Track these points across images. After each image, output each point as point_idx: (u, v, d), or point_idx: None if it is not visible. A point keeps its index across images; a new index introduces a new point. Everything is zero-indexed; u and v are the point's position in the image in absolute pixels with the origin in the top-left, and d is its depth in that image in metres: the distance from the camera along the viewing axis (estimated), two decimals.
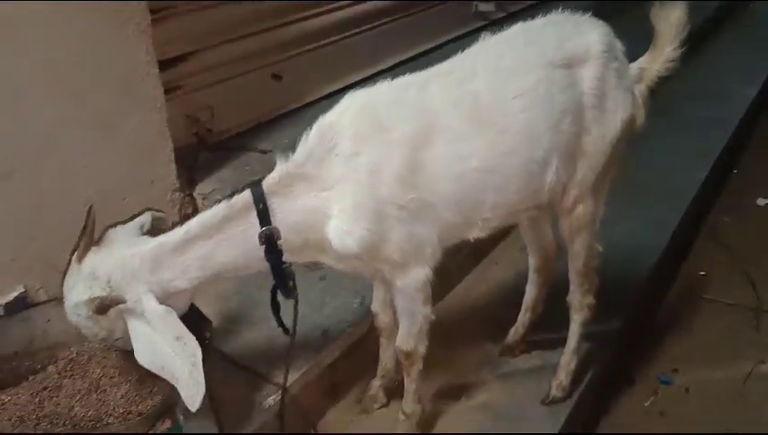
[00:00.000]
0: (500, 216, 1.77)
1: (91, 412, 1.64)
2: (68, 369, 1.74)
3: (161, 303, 1.52)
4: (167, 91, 2.29)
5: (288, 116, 3.02)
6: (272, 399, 1.87)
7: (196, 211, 2.44)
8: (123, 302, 1.50)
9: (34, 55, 1.84)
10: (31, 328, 1.77)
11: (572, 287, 2.06)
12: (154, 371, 1.49)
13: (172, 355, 1.47)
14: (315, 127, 1.63)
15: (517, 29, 1.81)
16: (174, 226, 1.62)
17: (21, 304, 1.93)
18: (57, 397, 1.67)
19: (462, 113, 1.65)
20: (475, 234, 1.76)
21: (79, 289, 1.53)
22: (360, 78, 3.36)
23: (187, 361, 1.46)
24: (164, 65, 2.29)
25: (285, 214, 1.57)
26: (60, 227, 2.01)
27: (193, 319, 1.67)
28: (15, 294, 1.93)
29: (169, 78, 2.38)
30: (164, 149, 2.28)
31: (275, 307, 1.77)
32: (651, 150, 3.53)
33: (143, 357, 1.50)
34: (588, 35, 1.81)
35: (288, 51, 3.10)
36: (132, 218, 1.71)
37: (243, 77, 2.88)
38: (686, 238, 3.35)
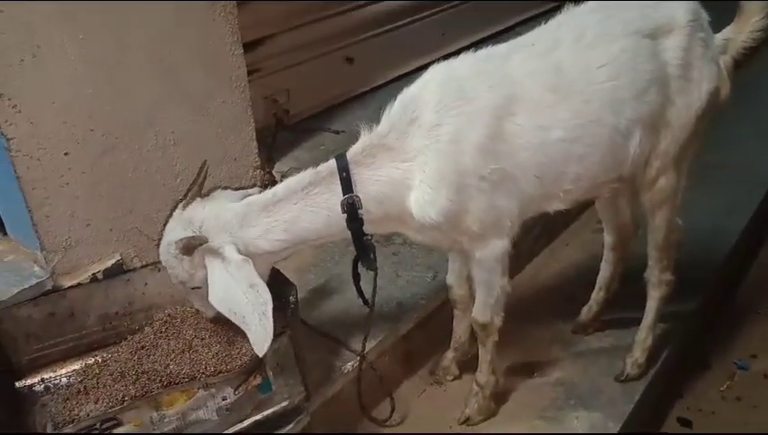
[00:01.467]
0: (582, 188, 1.78)
1: (185, 370, 1.73)
2: (163, 330, 1.84)
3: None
4: (247, 73, 2.39)
5: (359, 98, 3.09)
6: (350, 364, 1.94)
7: None
8: (205, 241, 1.57)
9: (134, 38, 1.95)
10: (131, 290, 1.88)
11: (651, 263, 2.05)
12: (224, 313, 1.56)
13: (244, 301, 1.52)
14: (398, 99, 1.68)
15: (597, 4, 1.80)
16: None
17: (118, 271, 2.06)
18: (154, 355, 1.78)
19: (545, 83, 1.67)
20: (555, 206, 1.78)
21: (175, 229, 1.63)
22: (429, 61, 3.39)
23: (257, 308, 1.52)
24: (244, 48, 2.38)
25: (367, 184, 1.62)
26: (153, 200, 2.14)
27: (278, 281, 1.76)
28: (113, 261, 2.06)
29: (249, 61, 2.47)
30: (247, 128, 2.37)
31: (356, 278, 1.84)
32: (734, 130, 3.44)
33: (217, 299, 1.56)
34: (673, 5, 1.80)
35: (360, 34, 3.16)
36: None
37: (317, 60, 2.96)
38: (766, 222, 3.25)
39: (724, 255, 2.74)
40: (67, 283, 1.96)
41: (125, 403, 1.60)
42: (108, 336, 1.87)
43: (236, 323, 1.55)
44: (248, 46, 2.54)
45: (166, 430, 1.55)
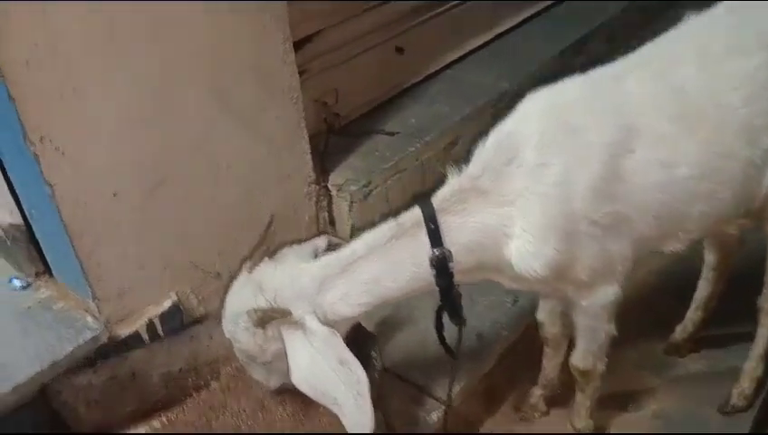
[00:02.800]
0: (705, 227, 1.57)
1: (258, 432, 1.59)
2: (231, 385, 1.69)
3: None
4: None
5: (411, 92, 2.83)
6: (435, 414, 1.77)
7: (330, 204, 2.34)
8: (289, 314, 1.40)
9: (178, 56, 1.73)
10: (196, 344, 1.73)
11: (766, 290, 1.83)
12: (312, 395, 1.40)
13: (335, 380, 1.36)
14: (492, 136, 1.47)
15: (728, 6, 1.55)
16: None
17: (175, 313, 1.90)
18: (223, 416, 1.63)
19: (667, 111, 1.45)
20: (672, 247, 1.57)
21: (244, 297, 1.46)
22: (479, 44, 3.14)
23: (351, 387, 1.35)
24: None
25: (458, 233, 1.42)
26: (206, 231, 1.96)
27: (357, 336, 1.58)
28: (169, 302, 1.89)
29: (297, 62, 2.24)
30: (300, 142, 2.16)
31: (440, 329, 1.64)
32: None
33: (301, 380, 1.41)
34: None
35: (409, 21, 2.89)
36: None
37: (366, 54, 2.71)
38: None
39: None
40: (123, 331, 1.80)
41: None
42: (173, 395, 1.71)
43: (326, 405, 1.38)
44: (295, 46, 2.31)
45: None
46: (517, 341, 2.03)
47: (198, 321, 1.97)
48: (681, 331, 2.14)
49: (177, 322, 1.91)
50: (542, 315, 1.83)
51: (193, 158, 1.85)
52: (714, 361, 2.12)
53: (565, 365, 1.92)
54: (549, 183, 1.40)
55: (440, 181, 1.50)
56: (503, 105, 2.84)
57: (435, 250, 1.40)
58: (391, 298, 1.48)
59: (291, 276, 1.45)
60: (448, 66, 3.01)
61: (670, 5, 3.74)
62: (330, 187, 2.32)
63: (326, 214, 2.35)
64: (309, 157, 2.22)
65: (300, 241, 1.65)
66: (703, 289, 2.07)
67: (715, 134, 1.45)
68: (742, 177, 1.50)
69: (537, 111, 1.46)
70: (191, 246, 1.93)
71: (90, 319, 1.77)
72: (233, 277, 1.55)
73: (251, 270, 1.49)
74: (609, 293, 1.53)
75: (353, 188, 2.30)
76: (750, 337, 1.94)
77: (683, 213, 1.50)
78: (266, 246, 1.53)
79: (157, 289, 1.87)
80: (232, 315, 1.48)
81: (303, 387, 1.41)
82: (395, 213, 2.36)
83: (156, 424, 1.66)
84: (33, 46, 1.42)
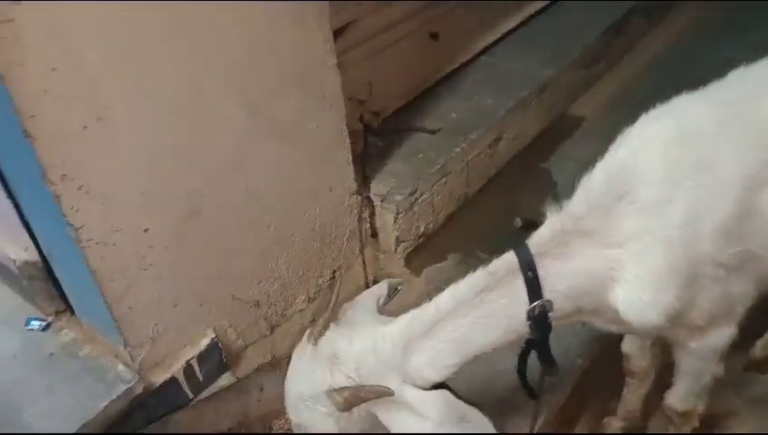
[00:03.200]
0: None
1: None
2: None
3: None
4: None
5: (447, 82, 2.60)
6: None
7: (373, 215, 2.13)
8: (390, 395, 1.20)
9: (210, 68, 1.50)
10: (245, 399, 1.53)
11: None
12: None
13: None
14: (600, 167, 1.26)
15: None
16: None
17: (214, 350, 1.70)
18: None
19: None
20: None
21: (316, 376, 1.25)
22: (518, 23, 2.89)
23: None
24: None
25: (558, 280, 1.23)
26: (243, 258, 1.76)
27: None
28: (207, 340, 1.69)
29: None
30: (342, 151, 1.94)
31: (523, 372, 1.45)
32: None
33: None
34: None
35: (441, 5, 2.65)
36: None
37: (399, 43, 2.47)
38: None
39: None
40: (158, 378, 1.61)
41: None
42: None
43: None
44: None
45: None
46: (590, 367, 1.85)
47: (238, 356, 1.78)
48: (762, 346, 1.96)
49: (216, 360, 1.72)
50: (628, 348, 1.64)
51: (229, 182, 1.63)
52: None
53: (647, 396, 1.75)
54: (672, 224, 1.19)
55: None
56: (546, 92, 2.62)
57: (535, 303, 1.21)
58: (479, 354, 1.27)
59: (372, 344, 1.24)
60: (483, 52, 2.77)
61: None
62: (372, 196, 2.11)
63: (368, 226, 2.14)
64: (351, 168, 2.00)
65: (355, 292, 1.45)
66: None
67: None
68: None
69: (659, 139, 1.24)
70: (228, 276, 1.73)
71: (121, 367, 1.58)
72: (293, 350, 1.35)
73: (317, 340, 1.27)
74: (724, 335, 1.34)
75: (398, 197, 2.09)
76: None
77: None
78: (332, 309, 1.31)
79: (193, 328, 1.67)
80: (302, 399, 1.27)
81: None
82: (440, 222, 2.15)
83: None
84: (52, 72, 1.18)
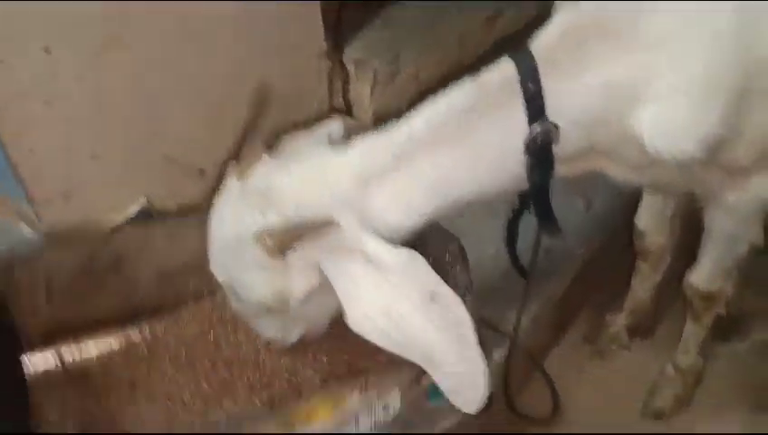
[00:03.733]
0: None
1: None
2: None
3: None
4: None
5: None
6: (499, 353, 1.34)
7: (347, 85, 1.83)
8: (330, 226, 0.94)
9: None
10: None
11: None
12: (386, 346, 0.95)
13: (424, 325, 0.92)
14: None
15: None
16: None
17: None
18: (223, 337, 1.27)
19: None
20: None
21: (243, 217, 1.00)
22: None
23: (449, 332, 0.92)
24: None
25: (567, 97, 0.94)
26: (185, 114, 1.48)
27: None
28: (137, 209, 1.43)
29: None
30: (311, 7, 1.63)
31: (512, 241, 1.30)
32: None
33: (368, 325, 0.95)
34: None
35: None
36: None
37: None
38: None
39: None
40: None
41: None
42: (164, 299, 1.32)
43: (411, 359, 0.95)
44: None
45: None
46: (592, 258, 1.59)
47: None
48: None
49: None
50: (644, 221, 1.39)
51: (161, 12, 1.31)
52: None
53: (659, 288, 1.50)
54: (711, 22, 0.92)
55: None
56: None
57: (535, 125, 0.93)
58: (461, 201, 1.01)
59: (320, 175, 0.99)
60: None
61: None
62: (346, 62, 1.80)
63: (340, 98, 1.84)
64: (320, 20, 1.69)
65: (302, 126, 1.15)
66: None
67: None
68: None
69: None
70: (164, 134, 1.44)
71: (25, 228, 1.29)
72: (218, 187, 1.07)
73: (243, 174, 1.01)
74: None
75: (377, 63, 1.79)
76: None
77: None
78: (257, 137, 1.05)
79: (118, 191, 1.39)
80: (227, 247, 1.03)
81: (372, 335, 0.96)
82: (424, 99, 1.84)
83: (134, 335, 1.28)
84: None
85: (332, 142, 1.09)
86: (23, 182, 1.24)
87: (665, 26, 0.93)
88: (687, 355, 1.43)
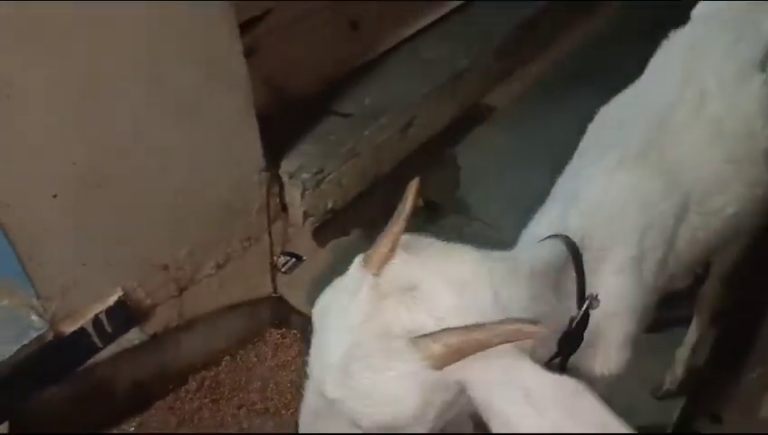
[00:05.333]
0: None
1: None
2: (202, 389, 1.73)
3: None
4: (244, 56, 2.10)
5: (365, 70, 2.79)
6: None
7: (282, 191, 2.33)
8: (540, 332, 0.81)
9: (111, 49, 1.67)
10: (160, 355, 1.76)
11: (709, 289, 1.92)
12: None
13: None
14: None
15: (716, 25, 1.53)
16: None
17: (122, 308, 1.89)
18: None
19: (717, 154, 1.36)
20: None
21: (387, 317, 0.84)
22: (435, 18, 3.09)
23: None
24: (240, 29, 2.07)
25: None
26: (151, 223, 1.95)
27: None
28: (115, 298, 1.88)
29: (245, 42, 2.17)
30: (250, 128, 2.13)
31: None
32: None
33: None
34: None
35: None
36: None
37: (318, 30, 2.65)
38: None
39: None
40: (68, 328, 1.80)
41: None
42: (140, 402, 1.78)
43: None
44: (243, 26, 2.24)
45: None
46: None
47: (148, 313, 1.98)
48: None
49: (124, 315, 1.91)
50: None
51: (133, 153, 1.81)
52: (651, 345, 2.20)
53: None
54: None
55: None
56: (459, 82, 2.83)
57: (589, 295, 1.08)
58: None
59: (488, 272, 0.89)
60: (404, 42, 2.96)
61: None
62: (281, 174, 2.30)
63: (278, 200, 2.34)
64: (259, 144, 2.19)
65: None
66: None
67: (750, 167, 1.38)
68: (762, 201, 1.46)
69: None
70: (135, 240, 1.91)
71: (34, 317, 1.76)
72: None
73: (377, 268, 0.87)
74: None
75: (305, 175, 2.29)
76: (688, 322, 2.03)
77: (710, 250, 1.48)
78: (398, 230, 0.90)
79: (101, 285, 1.86)
80: (359, 355, 0.83)
81: None
82: (349, 199, 2.32)
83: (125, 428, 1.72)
84: None
85: None
86: (34, 285, 1.70)
87: None
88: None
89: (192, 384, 1.75)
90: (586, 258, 1.11)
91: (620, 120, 1.42)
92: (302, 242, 2.38)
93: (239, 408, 1.66)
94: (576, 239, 1.11)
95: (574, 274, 1.07)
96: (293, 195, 2.31)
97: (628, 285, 1.18)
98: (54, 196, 1.66)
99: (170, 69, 1.83)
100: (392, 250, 0.88)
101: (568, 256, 1.09)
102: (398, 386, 0.81)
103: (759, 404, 2.39)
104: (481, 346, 0.79)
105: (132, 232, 1.89)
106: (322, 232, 2.41)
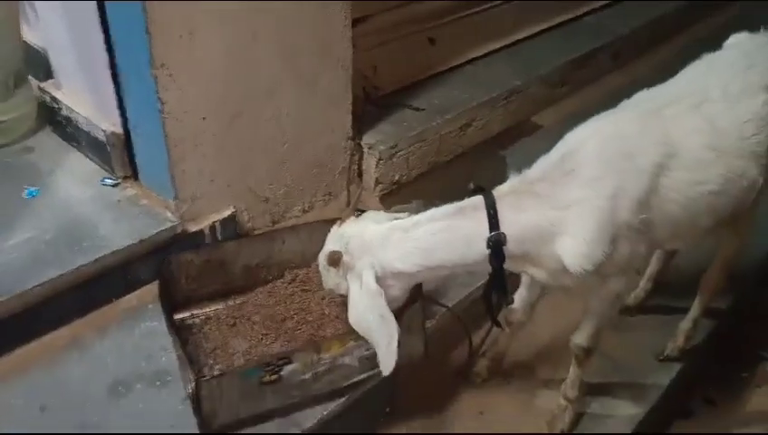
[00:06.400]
0: (707, 231, 1.92)
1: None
2: (293, 285, 2.20)
3: (380, 279, 1.70)
4: None
5: (437, 78, 3.30)
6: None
7: (361, 158, 2.81)
8: (341, 256, 1.73)
9: (262, 24, 2.18)
10: (270, 245, 2.21)
11: (713, 271, 2.29)
12: (359, 331, 1.71)
13: (375, 327, 1.66)
14: (556, 150, 1.75)
15: (737, 53, 1.96)
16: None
17: (231, 222, 2.37)
18: (282, 305, 2.15)
19: (702, 140, 1.76)
20: (674, 245, 2.03)
21: (329, 243, 1.81)
22: (500, 45, 3.61)
23: (385, 338, 1.66)
24: None
25: (511, 225, 1.66)
26: (265, 164, 2.43)
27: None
28: (228, 213, 2.35)
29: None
30: (345, 103, 2.63)
31: (489, 306, 1.89)
32: None
33: (353, 319, 1.71)
34: None
35: (442, 17, 3.37)
36: None
37: (403, 40, 3.18)
38: None
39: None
40: (192, 228, 2.26)
41: (264, 340, 1.93)
42: (249, 283, 2.21)
43: (369, 340, 1.71)
44: None
45: (320, 370, 1.80)
46: None
47: (247, 233, 2.45)
48: (634, 297, 2.62)
49: (231, 230, 2.38)
50: (518, 302, 2.14)
51: (262, 103, 2.31)
52: (658, 322, 2.59)
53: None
54: (603, 195, 1.64)
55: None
56: (513, 98, 3.32)
57: (493, 233, 1.64)
58: (441, 266, 1.72)
59: (363, 232, 1.74)
60: (471, 61, 3.48)
61: (673, 33, 4.23)
62: (363, 144, 2.79)
63: (356, 167, 2.82)
64: (350, 117, 2.69)
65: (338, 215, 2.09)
66: (654, 265, 2.54)
67: (736, 159, 1.78)
68: (745, 192, 1.83)
69: (597, 136, 1.74)
70: (251, 171, 2.40)
71: (169, 214, 2.24)
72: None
73: (340, 225, 1.81)
74: (622, 282, 1.83)
75: (382, 147, 2.77)
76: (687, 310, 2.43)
77: (697, 221, 1.82)
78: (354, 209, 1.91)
79: (220, 201, 2.34)
80: (321, 256, 1.82)
81: (354, 324, 1.71)
82: (412, 176, 2.81)
83: (231, 302, 2.15)
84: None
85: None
86: (175, 187, 2.19)
87: (571, 198, 1.63)
88: (573, 390, 2.07)
89: (287, 277, 2.19)
90: (563, 179, 1.66)
91: (636, 102, 1.89)
92: (372, 204, 2.83)
93: (322, 299, 2.09)
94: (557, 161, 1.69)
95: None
96: (370, 163, 2.79)
97: (593, 201, 1.64)
98: (204, 118, 2.16)
99: (298, 48, 2.34)
100: (348, 216, 1.82)
101: (481, 201, 1.66)
102: (324, 272, 1.86)
103: (749, 398, 2.76)
104: (339, 260, 1.75)
105: (250, 165, 2.38)
106: (388, 198, 2.87)
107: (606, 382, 2.35)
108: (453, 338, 2.37)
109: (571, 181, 1.66)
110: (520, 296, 2.15)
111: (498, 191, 1.71)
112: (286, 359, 1.72)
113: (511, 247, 1.67)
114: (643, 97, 1.92)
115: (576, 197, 1.65)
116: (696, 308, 2.40)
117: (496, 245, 1.65)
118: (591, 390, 2.31)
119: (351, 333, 1.77)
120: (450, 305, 2.29)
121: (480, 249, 1.67)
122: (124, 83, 2.16)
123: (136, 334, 2.04)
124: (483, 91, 3.23)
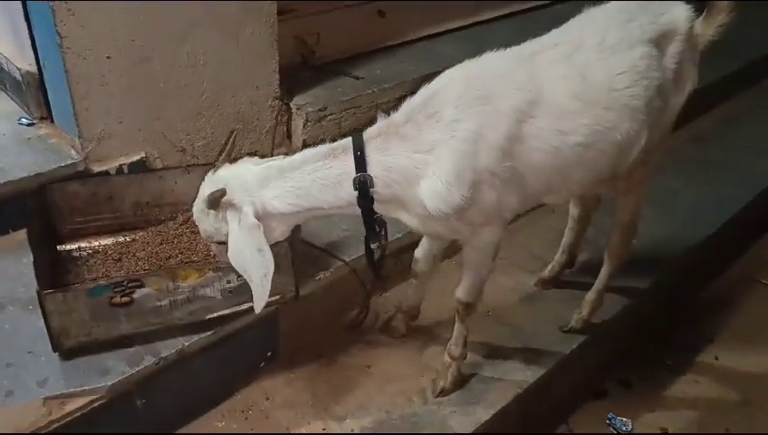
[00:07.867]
0: (583, 186, 1.91)
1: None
2: (183, 226, 2.21)
3: (260, 218, 1.68)
4: (281, 13, 2.64)
5: (385, 50, 3.31)
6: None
7: (290, 120, 2.82)
8: (224, 195, 1.67)
9: None
10: (163, 184, 2.23)
11: (614, 237, 2.26)
12: (237, 270, 1.69)
13: (252, 262, 1.65)
14: (420, 93, 1.74)
15: (618, 5, 1.90)
16: None
17: (141, 166, 2.39)
18: (169, 245, 2.17)
19: (568, 89, 1.72)
20: (553, 200, 1.97)
21: (204, 188, 1.75)
22: (459, 25, 3.60)
23: (261, 271, 1.64)
24: None
25: (378, 167, 1.67)
26: (178, 111, 2.45)
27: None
28: (138, 157, 2.37)
29: (285, 1, 2.70)
30: (270, 61, 2.64)
31: (370, 255, 1.91)
32: (740, 129, 3.69)
33: (232, 256, 1.67)
34: (676, 12, 1.90)
35: None
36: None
37: (350, 9, 3.20)
38: (757, 223, 3.41)
39: (697, 243, 2.93)
40: (97, 168, 2.29)
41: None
42: (138, 221, 2.23)
43: (245, 278, 1.69)
44: None
45: (178, 298, 1.83)
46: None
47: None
48: (549, 270, 2.58)
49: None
50: (419, 252, 2.14)
51: (175, 47, 2.34)
52: (569, 296, 2.54)
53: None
54: (462, 138, 1.62)
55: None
56: None
57: (359, 174, 1.66)
58: (318, 207, 1.72)
59: (240, 173, 1.72)
60: (426, 38, 3.48)
61: None
62: (291, 105, 2.80)
63: (285, 128, 2.83)
64: (277, 76, 2.70)
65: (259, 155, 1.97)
66: (568, 237, 2.50)
67: (604, 111, 1.74)
68: (619, 147, 1.79)
69: (460, 77, 1.72)
70: (163, 119, 2.42)
71: (73, 152, 2.28)
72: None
73: (215, 171, 1.77)
74: (495, 233, 1.82)
75: (310, 109, 2.78)
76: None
77: (568, 173, 1.79)
78: (228, 154, 1.90)
79: (130, 144, 2.36)
80: (197, 201, 1.76)
81: (233, 262, 1.68)
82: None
83: (120, 239, 2.19)
84: None
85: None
86: (78, 126, 2.22)
87: (433, 140, 1.62)
88: (457, 347, 2.05)
89: (179, 219, 2.20)
90: (427, 122, 1.65)
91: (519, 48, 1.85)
92: None
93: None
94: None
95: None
96: (297, 124, 2.79)
97: (451, 143, 1.63)
98: (108, 57, 2.19)
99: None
100: (222, 163, 1.79)
101: (350, 143, 1.67)
102: (202, 218, 1.77)
103: (669, 385, 2.70)
104: (217, 199, 1.66)
105: (163, 111, 2.40)
106: None
107: (504, 347, 2.31)
108: (352, 293, 2.36)
109: (434, 124, 1.65)
110: (422, 247, 2.15)
111: (368, 134, 1.71)
112: (137, 281, 1.73)
113: (379, 189, 1.68)
114: (527, 45, 1.89)
115: (437, 139, 1.64)
116: (601, 279, 2.35)
117: (362, 186, 1.66)
118: (488, 353, 2.29)
119: (210, 265, 1.76)
120: (348, 260, 2.28)
121: (349, 190, 1.68)
122: (33, 20, 2.21)
123: (23, 263, 2.06)
124: (429, 66, 3.22)
